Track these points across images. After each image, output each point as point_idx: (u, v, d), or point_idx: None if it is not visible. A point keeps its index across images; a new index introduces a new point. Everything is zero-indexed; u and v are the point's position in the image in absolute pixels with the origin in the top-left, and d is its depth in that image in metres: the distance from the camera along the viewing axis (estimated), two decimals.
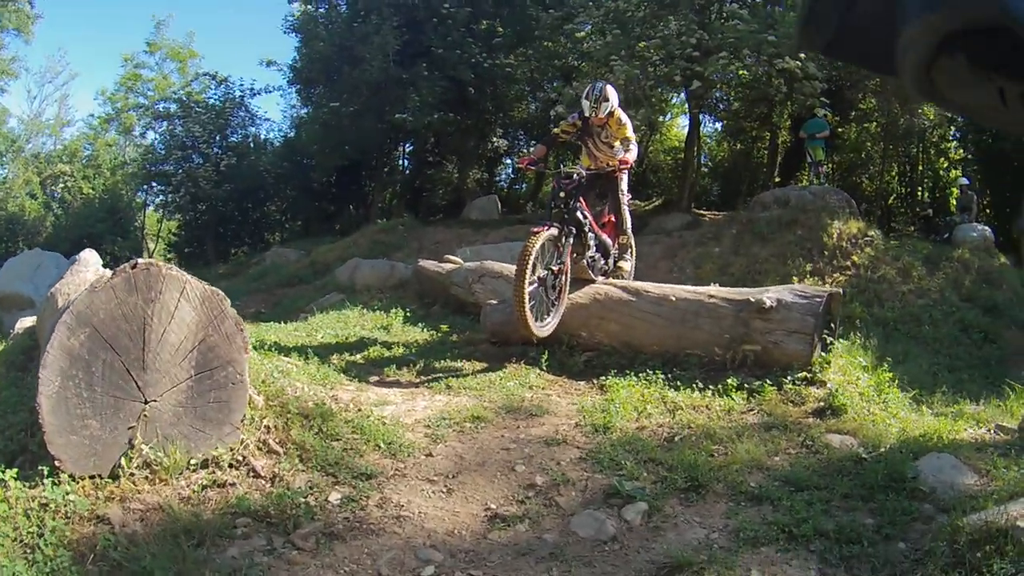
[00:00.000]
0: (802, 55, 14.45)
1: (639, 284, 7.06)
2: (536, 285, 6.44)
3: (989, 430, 5.25)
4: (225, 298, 4.25)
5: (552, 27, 19.18)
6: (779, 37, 14.60)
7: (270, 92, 30.56)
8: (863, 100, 21.92)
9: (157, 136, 30.30)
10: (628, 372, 6.10)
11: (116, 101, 35.27)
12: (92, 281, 4.09)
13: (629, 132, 7.39)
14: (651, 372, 6.02)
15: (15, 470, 3.71)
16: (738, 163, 25.69)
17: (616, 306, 6.77)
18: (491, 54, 20.72)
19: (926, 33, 0.64)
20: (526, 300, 6.18)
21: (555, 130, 8.04)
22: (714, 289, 6.76)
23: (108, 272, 5.57)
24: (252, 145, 29.39)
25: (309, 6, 24.34)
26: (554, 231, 6.58)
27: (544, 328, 6.56)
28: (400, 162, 28.08)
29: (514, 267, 6.63)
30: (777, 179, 21.47)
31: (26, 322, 7.06)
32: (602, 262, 7.41)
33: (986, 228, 15.92)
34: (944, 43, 0.64)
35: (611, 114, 7.23)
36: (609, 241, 7.48)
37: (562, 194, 6.82)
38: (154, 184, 31.24)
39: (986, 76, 0.66)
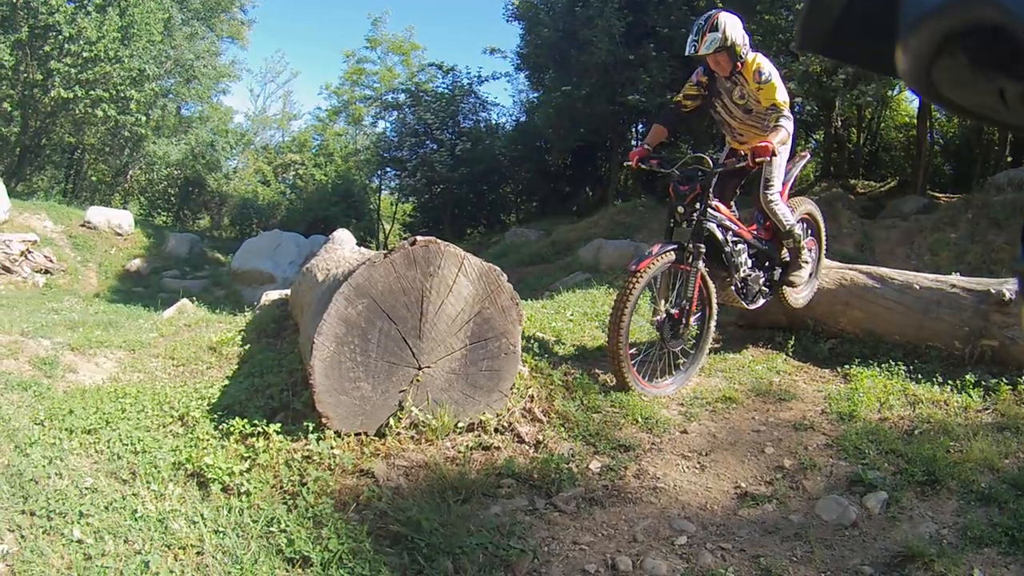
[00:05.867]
0: None
1: (883, 270, 6.85)
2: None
3: None
4: (502, 274, 4.44)
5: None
6: None
7: (497, 79, 31.29)
8: None
9: (388, 125, 32.07)
10: (871, 362, 6.06)
11: (342, 94, 37.39)
12: (370, 257, 4.38)
13: (778, 95, 5.29)
14: (893, 363, 5.97)
15: (277, 424, 4.09)
16: (970, 141, 23.79)
17: (861, 292, 6.62)
18: None
19: (926, 33, 0.65)
20: (624, 363, 5.14)
21: (675, 97, 5.86)
22: (956, 278, 6.51)
23: (364, 249, 6.21)
24: (485, 130, 30.00)
25: None
26: (669, 256, 5.13)
27: (667, 389, 5.44)
28: (634, 143, 27.78)
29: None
30: (1009, 158, 19.87)
31: (272, 295, 7.67)
32: (762, 281, 5.94)
33: None
34: (944, 43, 0.65)
35: (732, 50, 5.24)
36: (774, 247, 6.05)
37: (680, 209, 5.21)
38: (388, 169, 32.88)
39: (986, 76, 0.66)
